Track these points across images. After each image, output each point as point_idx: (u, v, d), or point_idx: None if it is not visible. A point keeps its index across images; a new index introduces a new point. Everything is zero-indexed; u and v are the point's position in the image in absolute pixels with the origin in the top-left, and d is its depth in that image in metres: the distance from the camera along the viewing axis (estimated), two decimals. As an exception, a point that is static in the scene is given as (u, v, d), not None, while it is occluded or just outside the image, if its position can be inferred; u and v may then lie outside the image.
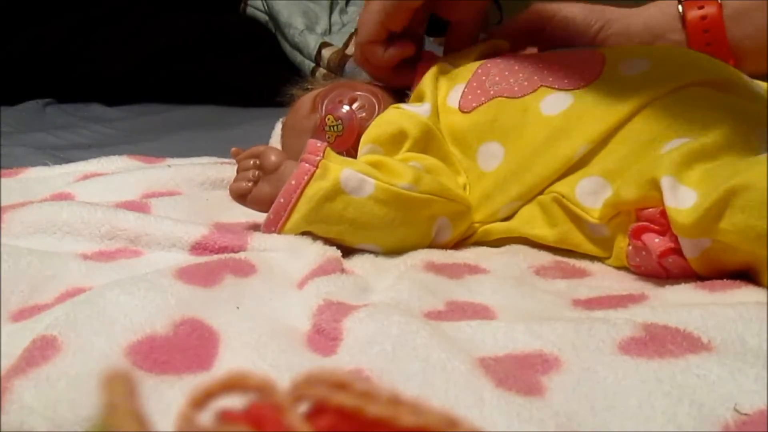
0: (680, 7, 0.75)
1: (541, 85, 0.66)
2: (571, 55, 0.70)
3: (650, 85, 0.62)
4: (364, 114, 0.75)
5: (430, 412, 0.22)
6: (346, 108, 0.75)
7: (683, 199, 0.52)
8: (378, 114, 0.73)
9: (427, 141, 0.68)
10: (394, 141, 0.68)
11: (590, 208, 0.60)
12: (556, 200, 0.63)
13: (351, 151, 0.71)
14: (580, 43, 0.78)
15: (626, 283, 0.56)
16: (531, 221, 0.64)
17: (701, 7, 0.73)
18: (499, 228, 0.66)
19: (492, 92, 0.68)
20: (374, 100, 0.76)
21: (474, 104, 0.69)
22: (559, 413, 0.36)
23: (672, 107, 0.60)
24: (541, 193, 0.64)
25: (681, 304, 0.47)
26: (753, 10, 0.72)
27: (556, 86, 0.66)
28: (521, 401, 0.37)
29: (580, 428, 0.35)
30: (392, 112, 0.71)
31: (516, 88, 0.67)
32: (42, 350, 0.40)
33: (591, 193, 0.61)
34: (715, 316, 0.43)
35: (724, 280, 0.52)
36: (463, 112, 0.69)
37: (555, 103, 0.65)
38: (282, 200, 0.61)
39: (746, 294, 0.50)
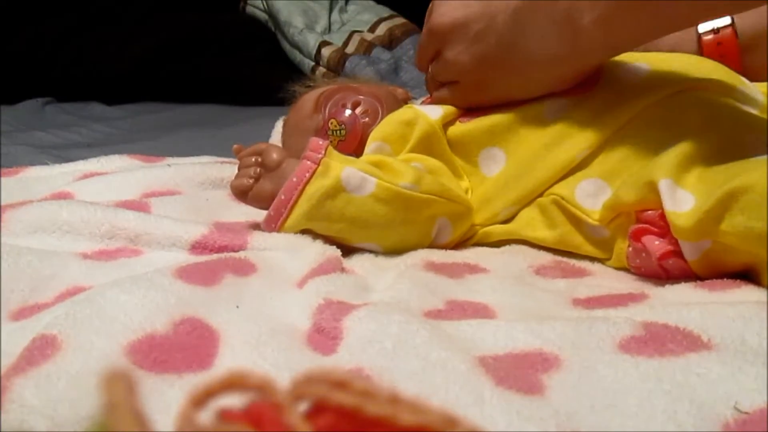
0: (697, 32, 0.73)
1: None
2: None
3: (648, 89, 0.62)
4: (367, 119, 0.74)
5: (429, 410, 0.22)
6: (349, 112, 0.75)
7: (681, 203, 0.52)
8: (381, 119, 0.73)
9: (431, 143, 0.69)
10: (402, 140, 0.68)
11: (590, 210, 0.60)
12: (556, 202, 0.63)
13: (353, 155, 0.71)
14: None
15: (626, 283, 0.56)
16: (531, 223, 0.64)
17: (716, 32, 0.72)
18: (499, 230, 0.66)
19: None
20: (378, 105, 0.75)
21: (474, 115, 0.69)
22: (559, 412, 0.36)
23: (669, 110, 0.61)
24: (540, 195, 0.64)
25: (681, 303, 0.47)
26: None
27: (556, 93, 0.66)
28: (521, 400, 0.37)
29: (580, 427, 0.35)
30: (404, 111, 0.71)
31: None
32: (42, 349, 0.40)
33: (590, 195, 0.61)
34: (715, 315, 0.43)
35: (724, 279, 0.52)
36: (462, 123, 0.69)
37: (555, 108, 0.65)
38: (283, 197, 0.61)
39: (746, 293, 0.50)
